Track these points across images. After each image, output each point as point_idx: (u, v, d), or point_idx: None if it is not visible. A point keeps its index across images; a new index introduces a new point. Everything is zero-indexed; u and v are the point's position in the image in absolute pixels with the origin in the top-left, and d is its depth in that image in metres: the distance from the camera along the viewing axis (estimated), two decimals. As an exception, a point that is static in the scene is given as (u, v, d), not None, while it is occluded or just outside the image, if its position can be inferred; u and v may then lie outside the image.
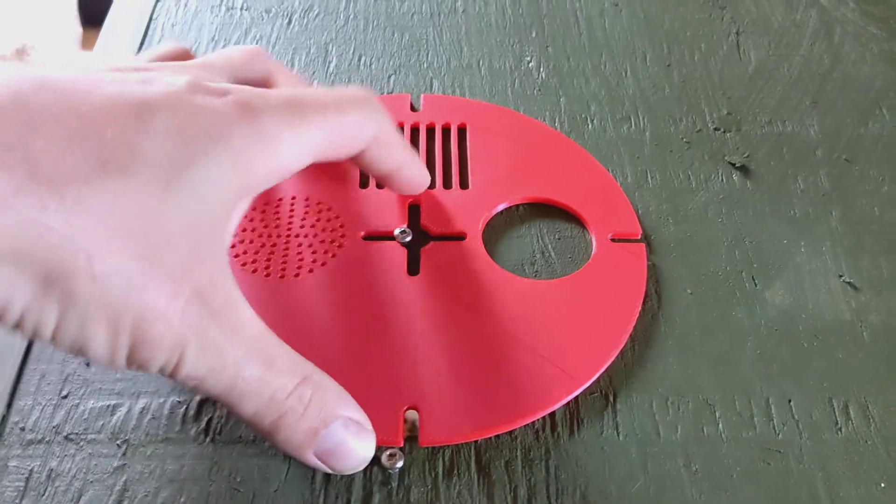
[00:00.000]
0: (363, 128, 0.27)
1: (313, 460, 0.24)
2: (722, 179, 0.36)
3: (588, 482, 0.26)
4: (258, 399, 0.23)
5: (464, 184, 0.34)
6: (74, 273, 0.19)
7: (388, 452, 0.26)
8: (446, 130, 0.37)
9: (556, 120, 0.38)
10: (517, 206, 0.34)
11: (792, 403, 0.28)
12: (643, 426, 0.28)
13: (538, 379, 0.28)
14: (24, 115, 0.19)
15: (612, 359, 0.29)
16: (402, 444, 0.26)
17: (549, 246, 0.33)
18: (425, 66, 0.41)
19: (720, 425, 0.28)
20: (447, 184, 0.34)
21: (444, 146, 0.36)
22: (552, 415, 0.28)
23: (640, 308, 0.30)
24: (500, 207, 0.34)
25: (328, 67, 0.40)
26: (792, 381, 0.29)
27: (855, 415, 0.28)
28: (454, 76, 0.40)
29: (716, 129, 0.38)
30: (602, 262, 0.32)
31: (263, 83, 0.28)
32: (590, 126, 0.38)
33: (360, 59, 0.41)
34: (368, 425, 0.25)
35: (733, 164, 0.36)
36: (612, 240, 0.32)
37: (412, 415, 0.27)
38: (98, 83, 0.21)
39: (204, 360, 0.22)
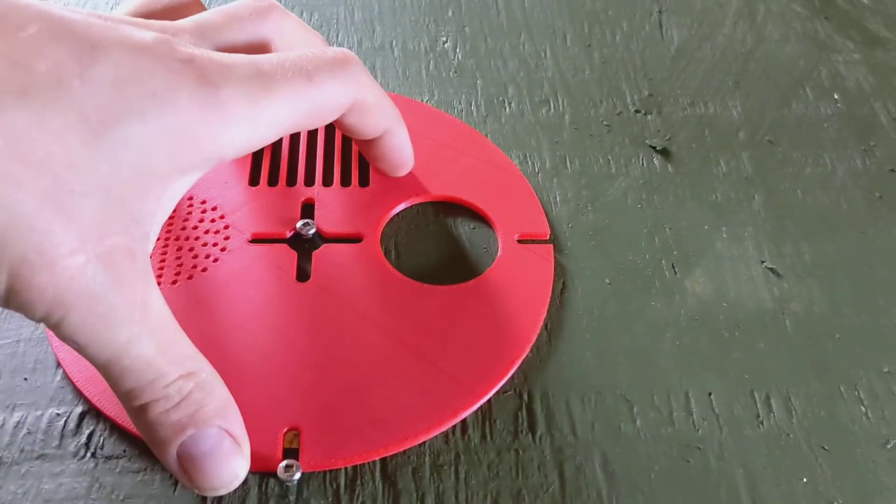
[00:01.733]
0: (336, 97, 0.25)
1: (173, 461, 0.22)
2: (642, 164, 0.34)
3: (499, 487, 0.25)
4: (137, 379, 0.21)
5: (363, 181, 0.32)
6: None
7: (284, 463, 0.24)
8: None
9: (473, 103, 0.36)
10: (419, 205, 0.32)
11: (712, 397, 0.27)
12: (559, 426, 0.26)
13: (434, 394, 0.26)
14: None
15: (511, 371, 0.27)
16: (275, 470, 0.24)
17: (452, 248, 0.31)
18: (335, 46, 0.38)
19: (638, 422, 0.27)
20: (345, 181, 0.32)
21: (343, 139, 0.34)
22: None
23: (544, 315, 0.28)
24: (401, 207, 0.32)
25: (232, 49, 0.38)
26: (712, 374, 0.28)
27: (777, 407, 0.27)
28: (366, 58, 0.38)
29: (637, 111, 0.37)
30: (507, 264, 0.30)
31: (263, 46, 0.26)
32: (507, 110, 0.36)
33: (266, 41, 0.39)
34: (247, 448, 0.23)
35: (654, 148, 0.35)
36: (519, 241, 0.30)
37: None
38: (55, 15, 0.20)
39: (89, 327, 0.20)
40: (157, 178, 0.21)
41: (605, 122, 0.36)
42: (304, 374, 0.26)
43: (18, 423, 0.25)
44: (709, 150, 0.35)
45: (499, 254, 0.30)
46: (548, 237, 0.31)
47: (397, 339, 0.27)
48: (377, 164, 0.31)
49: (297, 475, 0.24)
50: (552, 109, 0.36)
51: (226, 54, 0.23)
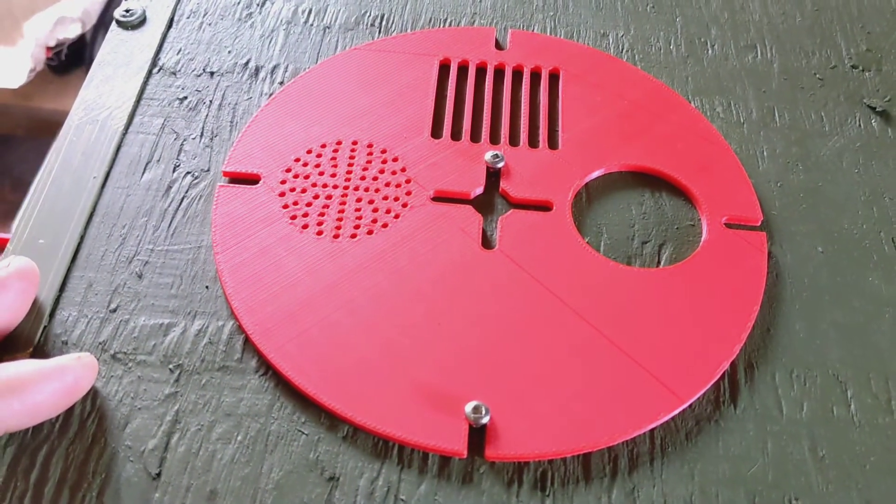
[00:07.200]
0: None
1: None
2: (859, 124, 0.31)
3: (699, 458, 0.23)
4: None
5: (553, 143, 0.29)
6: None
7: (472, 405, 0.23)
8: (535, 75, 0.32)
9: (672, 42, 0.33)
10: (614, 173, 0.29)
11: (935, 388, 0.25)
12: (764, 400, 0.24)
13: (632, 391, 0.24)
14: None
15: (717, 376, 0.24)
16: (464, 455, 0.23)
17: (651, 226, 0.28)
18: None
19: (852, 407, 0.24)
20: (533, 142, 0.29)
21: (531, 94, 0.31)
22: (660, 378, 0.24)
23: (754, 319, 0.25)
24: (595, 175, 0.29)
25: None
26: (935, 363, 0.25)
27: None
28: (557, -16, 0.36)
29: (853, 66, 0.33)
30: (713, 251, 0.27)
31: None
32: (710, 52, 0.33)
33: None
34: None
35: (873, 108, 0.32)
36: (727, 225, 0.28)
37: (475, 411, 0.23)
38: None
39: None
40: None
41: (817, 75, 0.33)
42: (491, 352, 0.24)
43: (199, 331, 0.25)
44: (934, 116, 0.32)
45: (704, 237, 0.27)
46: (759, 223, 0.28)
47: (593, 326, 0.25)
48: None
49: (486, 419, 0.23)
50: (759, 56, 0.33)
51: None
